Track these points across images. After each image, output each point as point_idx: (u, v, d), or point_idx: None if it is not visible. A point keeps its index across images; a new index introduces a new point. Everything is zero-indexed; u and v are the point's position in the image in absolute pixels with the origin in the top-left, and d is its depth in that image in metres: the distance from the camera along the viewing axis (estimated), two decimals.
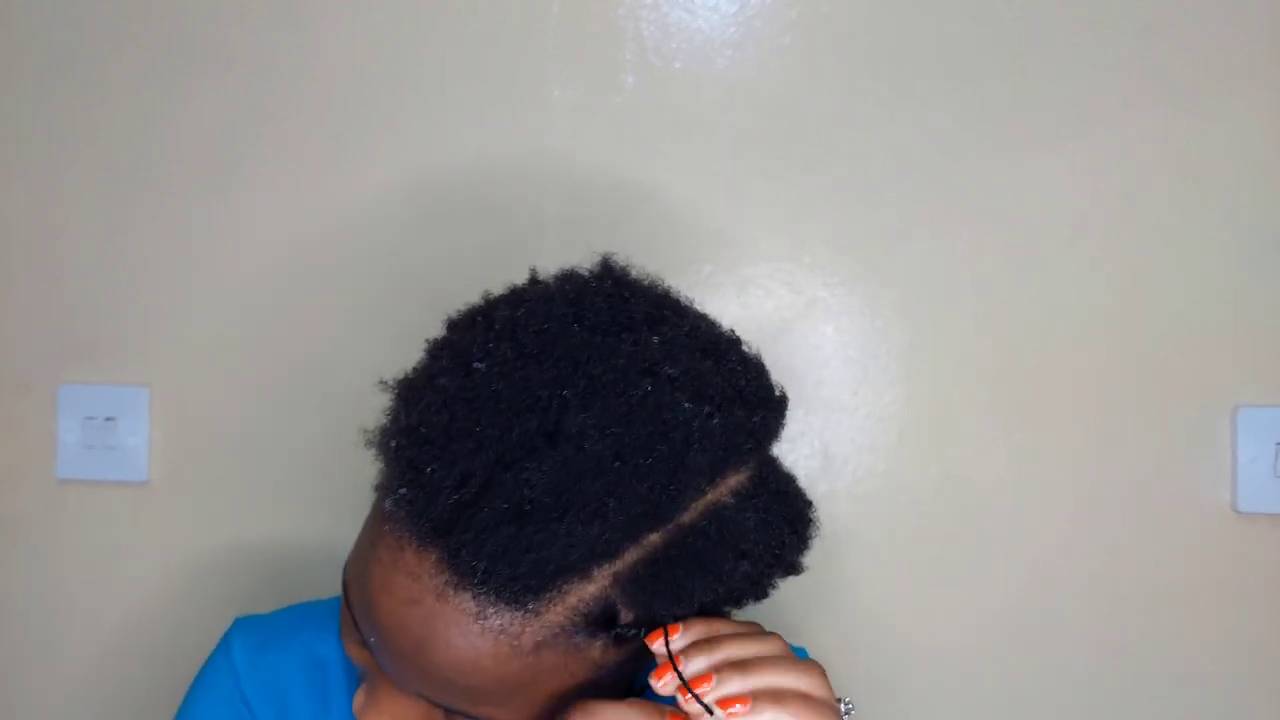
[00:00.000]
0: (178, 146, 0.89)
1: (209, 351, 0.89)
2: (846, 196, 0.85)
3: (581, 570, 0.45)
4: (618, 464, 0.45)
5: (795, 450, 0.85)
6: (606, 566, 0.46)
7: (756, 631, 0.49)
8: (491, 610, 0.45)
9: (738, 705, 0.44)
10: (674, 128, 0.86)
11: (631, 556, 0.46)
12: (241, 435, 0.89)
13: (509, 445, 0.45)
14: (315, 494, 0.88)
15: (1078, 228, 0.84)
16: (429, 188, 0.87)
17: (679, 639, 0.47)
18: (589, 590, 0.46)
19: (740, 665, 0.46)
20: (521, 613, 0.45)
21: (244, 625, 0.67)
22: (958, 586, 0.84)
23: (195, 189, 0.89)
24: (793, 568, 0.52)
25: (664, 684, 0.46)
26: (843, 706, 0.48)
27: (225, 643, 0.65)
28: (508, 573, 0.44)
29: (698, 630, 0.47)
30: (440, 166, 0.87)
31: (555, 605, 0.45)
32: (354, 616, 0.50)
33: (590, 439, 0.45)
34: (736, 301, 0.85)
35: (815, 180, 0.85)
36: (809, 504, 0.53)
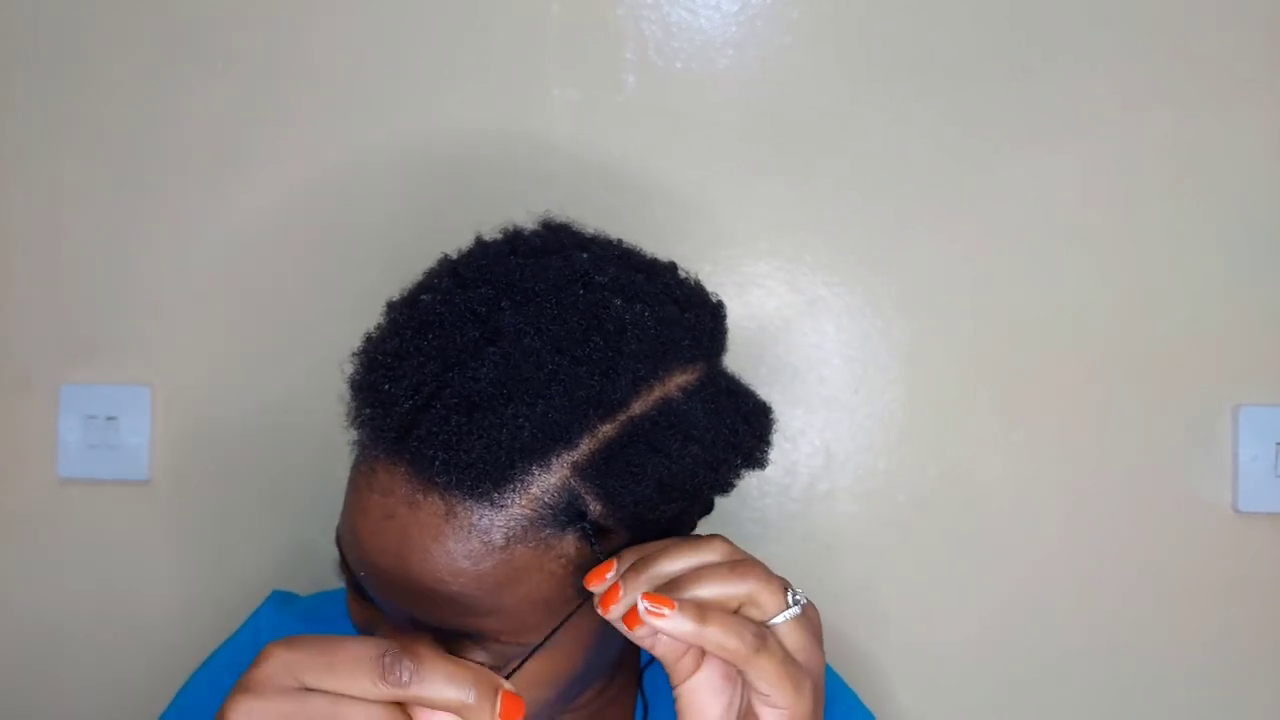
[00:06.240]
0: (180, 145, 0.89)
1: (211, 351, 0.89)
2: (848, 196, 0.85)
3: (539, 458, 0.48)
4: (557, 355, 0.48)
5: (797, 449, 0.85)
6: (564, 455, 0.48)
7: (691, 541, 0.50)
8: (460, 507, 0.47)
9: (664, 609, 0.45)
10: (675, 127, 0.86)
11: (587, 447, 0.49)
12: (243, 435, 0.89)
13: (453, 352, 0.49)
14: (316, 493, 0.88)
15: (1078, 228, 0.84)
16: (430, 188, 0.87)
17: (613, 573, 0.48)
18: (550, 481, 0.48)
19: (673, 584, 0.47)
20: (487, 505, 0.47)
21: (278, 597, 0.71)
22: (958, 584, 0.84)
23: (197, 188, 0.89)
24: (753, 459, 0.55)
25: (612, 614, 0.47)
26: (790, 598, 0.48)
27: (258, 610, 0.69)
28: (464, 460, 0.47)
29: (630, 561, 0.49)
30: (441, 167, 0.87)
31: (519, 496, 0.47)
32: (346, 562, 0.52)
33: (527, 335, 0.49)
34: (738, 300, 0.85)
35: (817, 179, 0.85)
36: (767, 407, 0.56)
